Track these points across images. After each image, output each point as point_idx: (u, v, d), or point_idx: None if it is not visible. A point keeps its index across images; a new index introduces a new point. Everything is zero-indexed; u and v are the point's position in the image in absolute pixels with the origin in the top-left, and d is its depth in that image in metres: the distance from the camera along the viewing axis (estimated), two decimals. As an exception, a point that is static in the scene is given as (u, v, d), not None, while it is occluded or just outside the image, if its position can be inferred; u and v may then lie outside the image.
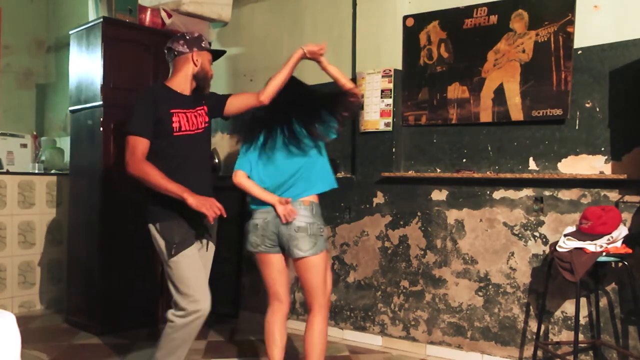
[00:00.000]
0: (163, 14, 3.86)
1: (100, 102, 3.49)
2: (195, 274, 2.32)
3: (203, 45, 2.45)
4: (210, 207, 2.23)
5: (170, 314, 2.35)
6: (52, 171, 4.36)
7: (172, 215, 2.33)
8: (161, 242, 2.34)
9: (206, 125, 2.48)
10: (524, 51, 2.93)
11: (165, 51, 2.47)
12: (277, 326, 2.48)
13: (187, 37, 2.43)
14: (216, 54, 2.56)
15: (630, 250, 2.44)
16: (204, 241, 2.48)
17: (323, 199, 2.49)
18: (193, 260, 2.34)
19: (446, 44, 3.19)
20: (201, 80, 2.45)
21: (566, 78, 2.80)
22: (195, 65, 2.42)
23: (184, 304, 2.30)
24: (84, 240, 3.66)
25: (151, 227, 2.38)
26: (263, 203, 2.42)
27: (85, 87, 3.64)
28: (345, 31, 3.59)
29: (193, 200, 2.21)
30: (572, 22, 2.80)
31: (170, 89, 2.42)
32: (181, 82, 2.43)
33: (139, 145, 2.27)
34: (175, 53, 2.42)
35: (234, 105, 2.55)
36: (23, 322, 3.68)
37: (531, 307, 2.93)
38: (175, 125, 2.35)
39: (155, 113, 2.31)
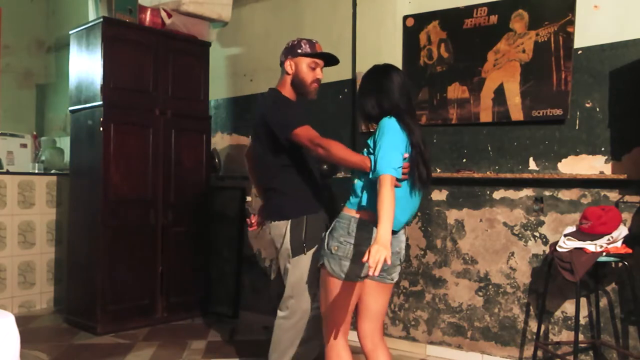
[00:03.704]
0: (163, 14, 3.86)
1: (100, 102, 3.49)
2: (308, 275, 2.34)
3: (299, 52, 2.37)
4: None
5: (279, 312, 2.44)
6: (52, 171, 4.36)
7: (305, 211, 2.35)
8: (287, 239, 2.34)
9: None
10: (524, 51, 2.93)
11: None
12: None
13: (287, 46, 2.42)
14: (323, 58, 2.41)
15: (630, 250, 2.44)
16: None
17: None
18: (309, 262, 2.35)
19: (446, 44, 3.19)
20: (297, 86, 2.40)
21: (566, 78, 2.80)
22: (289, 73, 2.39)
23: (289, 303, 2.37)
24: (84, 240, 3.66)
25: (279, 223, 2.36)
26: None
27: (85, 87, 3.64)
28: (345, 31, 3.59)
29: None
30: (572, 22, 2.80)
31: (289, 99, 2.40)
32: (286, 90, 2.41)
33: (310, 130, 2.20)
34: (280, 63, 2.44)
35: None
36: (23, 322, 3.70)
37: (531, 307, 2.93)
38: None
39: None
